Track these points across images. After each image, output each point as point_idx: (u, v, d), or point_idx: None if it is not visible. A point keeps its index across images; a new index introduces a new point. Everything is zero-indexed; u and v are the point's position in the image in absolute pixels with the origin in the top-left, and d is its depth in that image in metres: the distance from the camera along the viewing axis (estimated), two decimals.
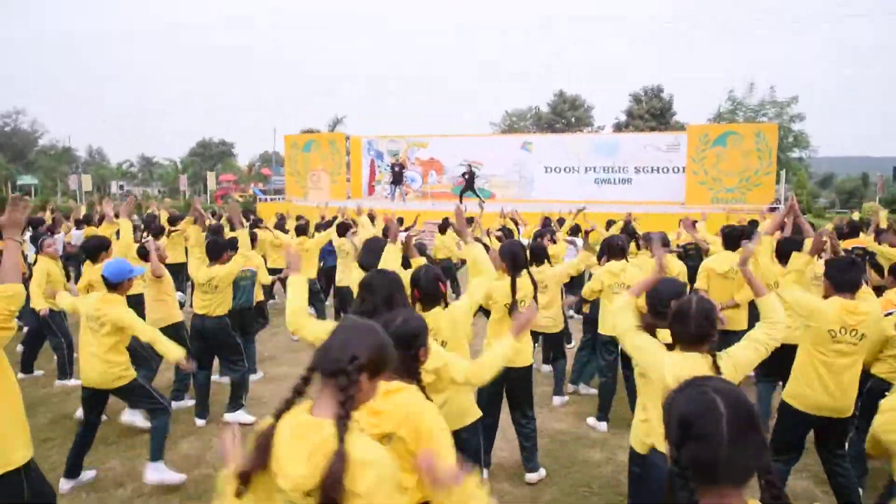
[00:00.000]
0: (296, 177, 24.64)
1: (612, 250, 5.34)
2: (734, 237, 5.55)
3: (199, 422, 5.42)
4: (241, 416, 5.38)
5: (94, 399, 4.21)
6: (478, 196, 19.56)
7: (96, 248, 5.59)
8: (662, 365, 2.62)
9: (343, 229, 7.93)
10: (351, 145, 24.72)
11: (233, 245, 5.70)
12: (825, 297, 3.56)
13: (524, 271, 4.43)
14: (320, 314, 8.31)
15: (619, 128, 40.04)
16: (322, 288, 9.05)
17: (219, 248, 5.50)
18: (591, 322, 5.82)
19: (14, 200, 2.68)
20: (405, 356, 2.15)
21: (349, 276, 7.30)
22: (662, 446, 2.54)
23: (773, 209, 17.68)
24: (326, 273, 8.96)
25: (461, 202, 19.41)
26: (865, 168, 51.25)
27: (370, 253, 3.96)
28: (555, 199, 20.78)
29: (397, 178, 20.96)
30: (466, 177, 19.90)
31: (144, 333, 4.07)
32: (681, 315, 2.62)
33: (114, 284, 4.12)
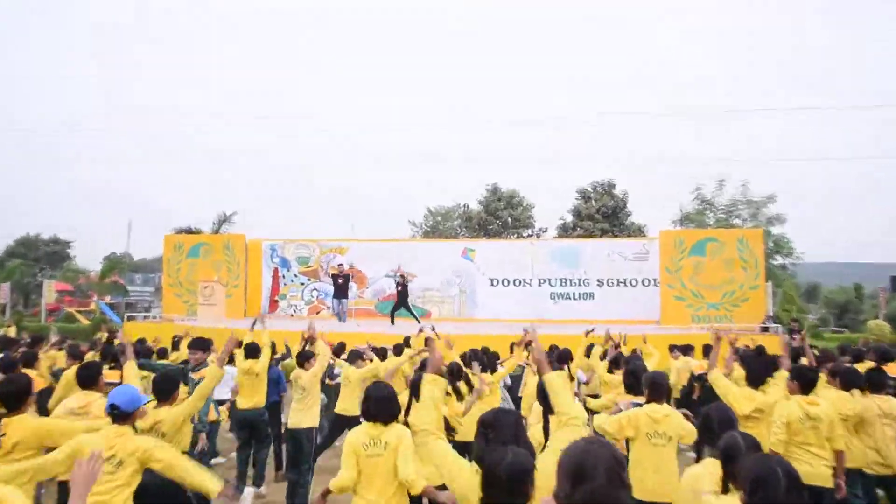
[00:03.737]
0: (176, 289, 24.67)
1: (657, 390, 5.81)
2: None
3: None
4: None
5: None
6: (413, 315, 20.00)
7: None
8: None
9: (354, 356, 8.46)
10: (248, 252, 25.09)
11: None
12: None
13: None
14: (249, 461, 8.79)
15: (564, 230, 41.83)
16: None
17: (170, 384, 5.61)
18: None
19: None
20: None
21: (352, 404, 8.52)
22: None
23: (765, 329, 19.08)
24: (270, 410, 9.13)
25: (392, 322, 19.76)
26: (856, 277, 55.71)
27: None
28: (504, 319, 21.68)
29: (341, 291, 20.94)
30: (399, 289, 20.39)
31: (181, 464, 4.34)
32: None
33: (127, 414, 4.35)
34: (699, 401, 9.04)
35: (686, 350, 12.25)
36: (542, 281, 23.71)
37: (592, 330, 10.73)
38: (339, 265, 22.97)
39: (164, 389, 5.49)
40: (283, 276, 25.00)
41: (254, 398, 8.67)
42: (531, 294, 23.59)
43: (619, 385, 7.27)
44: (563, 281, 23.59)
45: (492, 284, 24.01)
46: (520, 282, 23.88)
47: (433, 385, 3.66)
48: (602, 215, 40.96)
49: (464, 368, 7.59)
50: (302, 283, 24.90)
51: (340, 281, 21.00)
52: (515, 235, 43.31)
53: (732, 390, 6.33)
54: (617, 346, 9.66)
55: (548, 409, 5.08)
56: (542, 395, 4.63)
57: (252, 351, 8.88)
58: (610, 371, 8.60)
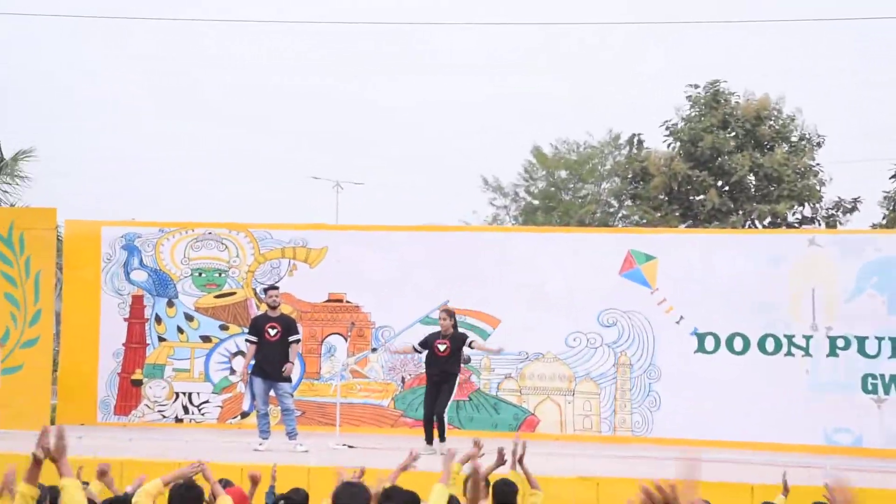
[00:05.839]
0: None
1: None
2: None
3: None
4: None
5: None
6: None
7: None
8: None
9: None
10: (65, 253, 11.45)
11: None
12: None
13: None
14: None
15: None
16: None
17: None
18: None
19: None
20: None
21: None
22: None
23: None
24: None
25: (429, 441, 8.91)
26: None
27: None
28: (725, 441, 9.48)
29: (271, 358, 8.89)
30: (443, 348, 9.03)
31: None
32: None
33: None
34: None
35: None
36: (839, 342, 9.88)
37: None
38: (269, 289, 9.55)
39: None
40: (158, 319, 10.92)
41: None
42: (806, 374, 9.97)
43: None
44: None
45: (700, 348, 10.25)
46: (778, 342, 10.03)
47: None
48: None
49: None
50: (205, 338, 10.81)
51: (273, 332, 8.82)
52: (768, 219, 20.11)
53: None
54: None
55: None
56: None
57: None
58: None
